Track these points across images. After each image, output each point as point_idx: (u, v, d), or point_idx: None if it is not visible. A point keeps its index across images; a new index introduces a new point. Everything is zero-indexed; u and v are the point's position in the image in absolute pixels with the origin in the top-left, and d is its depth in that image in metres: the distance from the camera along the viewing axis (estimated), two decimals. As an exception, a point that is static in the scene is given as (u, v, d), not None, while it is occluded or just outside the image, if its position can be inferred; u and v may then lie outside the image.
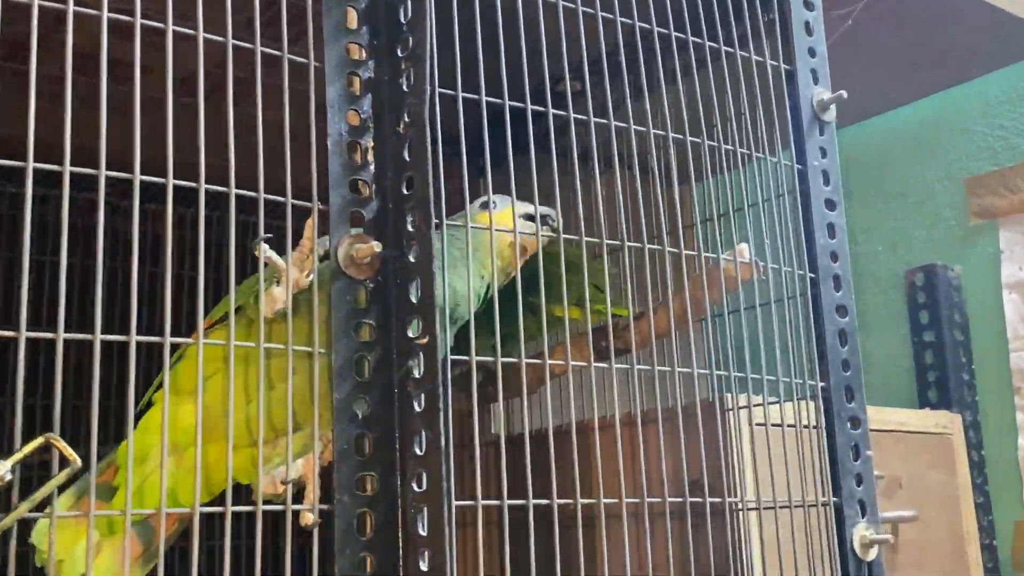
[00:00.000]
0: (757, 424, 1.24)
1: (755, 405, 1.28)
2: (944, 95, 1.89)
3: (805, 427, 1.20)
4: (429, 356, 0.88)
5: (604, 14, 1.13)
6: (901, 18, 1.65)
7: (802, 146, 1.25)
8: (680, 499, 1.07)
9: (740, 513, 1.33)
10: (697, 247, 1.12)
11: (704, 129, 1.20)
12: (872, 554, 1.18)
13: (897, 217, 1.96)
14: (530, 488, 0.93)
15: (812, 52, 1.29)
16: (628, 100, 1.31)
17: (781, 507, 1.18)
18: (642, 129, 1.31)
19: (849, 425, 1.21)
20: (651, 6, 1.14)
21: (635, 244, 1.10)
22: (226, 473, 0.81)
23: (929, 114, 1.92)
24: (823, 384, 1.20)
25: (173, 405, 1.01)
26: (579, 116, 1.09)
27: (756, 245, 1.19)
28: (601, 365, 1.14)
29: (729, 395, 1.37)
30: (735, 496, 1.29)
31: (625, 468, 1.01)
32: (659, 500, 1.05)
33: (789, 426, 1.22)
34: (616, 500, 1.00)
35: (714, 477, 1.29)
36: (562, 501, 0.96)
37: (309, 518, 0.87)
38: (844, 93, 1.26)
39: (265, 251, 0.92)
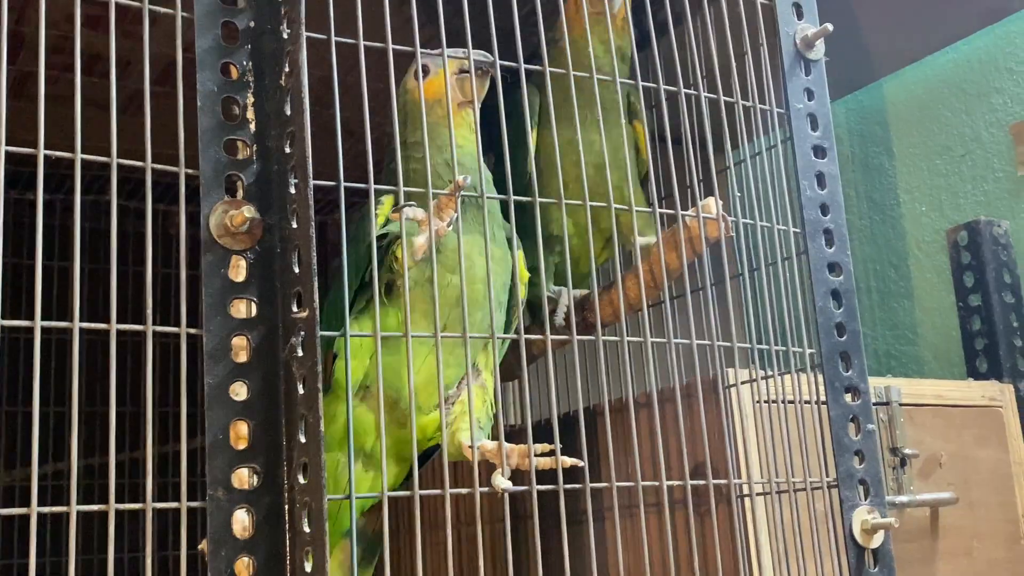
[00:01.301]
0: (760, 401, 1.13)
1: (751, 380, 1.16)
2: (987, 33, 1.72)
3: (806, 402, 1.08)
4: (309, 332, 0.78)
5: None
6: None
7: (785, 89, 1.12)
8: (698, 481, 0.96)
9: (744, 498, 1.21)
10: (652, 204, 1.00)
11: (694, 79, 1.09)
12: (876, 540, 1.04)
13: (942, 173, 1.80)
14: (533, 478, 0.84)
15: (795, -18, 1.16)
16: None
17: (780, 492, 1.05)
18: (629, 83, 1.20)
19: (847, 396, 1.07)
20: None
21: (599, 204, 0.99)
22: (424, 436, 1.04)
23: (971, 56, 1.75)
24: (812, 351, 1.07)
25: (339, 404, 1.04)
26: (556, 70, 0.99)
27: (747, 203, 1.07)
28: (586, 338, 1.03)
29: (731, 370, 1.25)
30: (739, 478, 1.17)
31: (627, 453, 0.91)
32: (678, 483, 0.95)
33: (788, 402, 1.10)
34: (631, 483, 0.90)
35: (718, 459, 1.17)
36: (569, 486, 0.86)
37: (500, 486, 0.90)
38: (830, 26, 1.12)
39: (407, 212, 0.98)
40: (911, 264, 1.83)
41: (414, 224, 1.02)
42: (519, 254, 1.12)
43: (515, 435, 1.46)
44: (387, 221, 1.06)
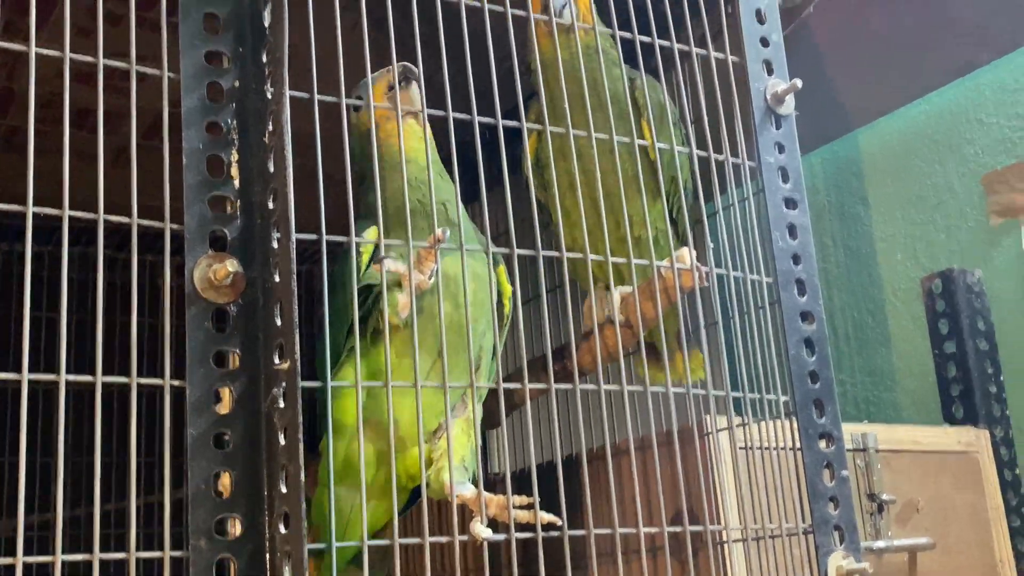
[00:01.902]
0: (739, 448, 1.15)
1: (728, 428, 1.18)
2: (957, 85, 1.76)
3: (781, 449, 1.10)
4: (290, 384, 0.80)
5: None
6: (893, 2, 1.55)
7: (755, 142, 1.15)
8: (675, 528, 0.97)
9: (724, 544, 1.23)
10: (628, 256, 1.03)
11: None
12: (852, 587, 1.06)
13: (916, 222, 1.83)
14: (512, 528, 0.85)
15: (764, 41, 1.19)
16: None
17: (757, 538, 1.07)
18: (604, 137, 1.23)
19: (821, 443, 1.09)
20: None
21: (575, 255, 1.01)
22: (403, 481, 1.06)
23: (943, 107, 1.79)
24: (786, 399, 1.09)
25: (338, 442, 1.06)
26: (533, 126, 1.02)
27: (721, 253, 1.09)
28: (564, 386, 1.04)
29: (707, 417, 1.27)
30: (719, 526, 1.19)
31: (607, 501, 0.92)
32: (656, 530, 0.96)
33: (764, 448, 1.12)
34: (609, 531, 0.91)
35: (697, 506, 1.19)
36: (547, 534, 0.87)
37: (480, 535, 0.94)
38: (799, 82, 1.16)
39: (387, 264, 1.00)
40: (888, 311, 1.86)
41: (395, 274, 1.04)
42: (500, 268, 1.15)
43: (498, 483, 1.47)
44: (370, 262, 1.08)
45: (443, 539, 0.84)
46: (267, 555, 0.79)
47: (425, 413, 0.94)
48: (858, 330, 1.89)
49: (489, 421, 1.37)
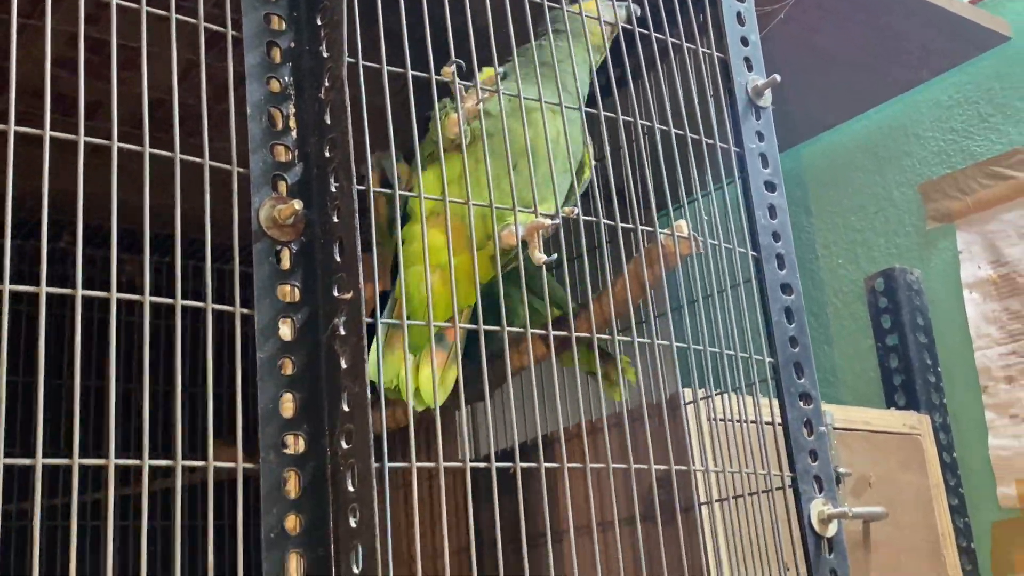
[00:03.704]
0: (715, 419, 1.24)
1: (707, 397, 1.27)
2: (896, 102, 1.91)
3: (765, 423, 1.19)
4: (353, 312, 0.87)
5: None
6: (846, 22, 1.68)
7: (739, 131, 1.26)
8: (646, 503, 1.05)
9: (704, 509, 1.31)
10: (633, 221, 1.12)
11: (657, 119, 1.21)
12: (831, 530, 1.16)
13: (857, 228, 1.97)
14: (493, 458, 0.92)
15: (745, 41, 1.31)
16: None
17: (737, 496, 1.16)
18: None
19: (800, 401, 1.19)
20: None
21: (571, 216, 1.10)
22: (473, 278, 1.15)
23: (883, 123, 1.94)
24: (771, 360, 1.19)
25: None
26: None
27: (706, 229, 1.19)
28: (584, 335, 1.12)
29: (687, 390, 1.36)
30: (696, 493, 1.28)
31: (587, 480, 0.99)
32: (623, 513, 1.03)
33: (744, 420, 1.21)
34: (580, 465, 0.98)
35: (676, 476, 1.27)
36: (526, 464, 0.94)
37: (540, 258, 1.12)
38: (778, 77, 1.27)
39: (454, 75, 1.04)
40: (830, 313, 1.98)
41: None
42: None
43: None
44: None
45: (429, 464, 0.88)
46: (329, 468, 0.85)
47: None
48: (803, 330, 2.00)
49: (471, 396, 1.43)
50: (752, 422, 1.17)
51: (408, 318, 1.18)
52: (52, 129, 0.79)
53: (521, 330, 1.01)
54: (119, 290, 0.79)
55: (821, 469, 1.18)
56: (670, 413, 1.33)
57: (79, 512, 0.74)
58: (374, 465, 0.82)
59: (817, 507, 1.16)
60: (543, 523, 0.94)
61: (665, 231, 1.16)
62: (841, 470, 1.51)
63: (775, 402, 1.19)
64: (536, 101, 1.09)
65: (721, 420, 1.20)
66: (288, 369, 0.87)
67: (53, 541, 1.28)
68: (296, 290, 0.89)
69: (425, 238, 0.94)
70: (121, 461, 0.76)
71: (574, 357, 1.31)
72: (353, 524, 0.83)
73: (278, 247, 0.89)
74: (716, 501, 1.26)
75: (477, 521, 0.92)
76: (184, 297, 0.83)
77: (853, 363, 1.91)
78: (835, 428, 1.55)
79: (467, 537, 0.88)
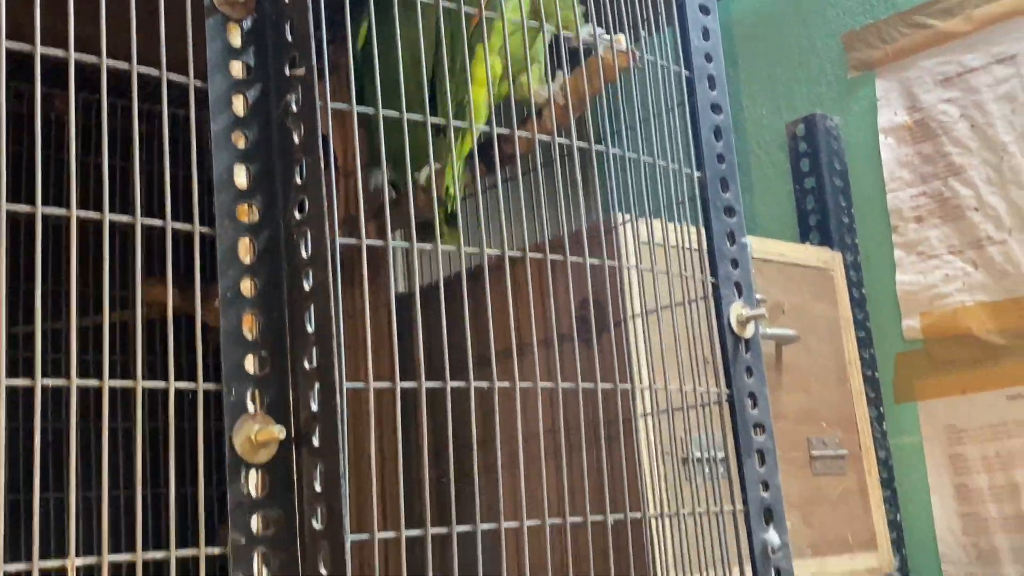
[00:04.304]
0: (640, 242, 1.30)
1: (633, 220, 1.32)
2: (822, -47, 1.95)
3: (673, 246, 1.25)
4: (306, 89, 0.89)
5: None
6: None
7: (689, 54, 1.28)
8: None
9: (629, 324, 1.38)
10: (577, 34, 1.16)
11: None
12: (749, 331, 1.23)
13: (781, 79, 2.02)
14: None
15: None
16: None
17: (662, 308, 1.22)
18: None
19: (725, 214, 1.26)
20: None
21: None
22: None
23: (809, -25, 1.98)
24: (699, 174, 1.24)
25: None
26: None
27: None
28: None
29: (617, 214, 1.41)
30: (621, 310, 1.34)
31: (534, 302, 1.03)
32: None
33: (669, 246, 1.27)
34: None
35: (603, 296, 1.33)
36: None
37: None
38: None
39: None
40: (752, 162, 2.05)
41: None
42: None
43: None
44: None
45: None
46: (283, 236, 0.89)
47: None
48: (726, 176, 2.07)
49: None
50: (681, 248, 1.23)
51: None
52: None
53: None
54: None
55: (741, 276, 1.25)
56: (605, 237, 1.39)
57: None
58: (328, 240, 0.86)
59: (736, 310, 1.23)
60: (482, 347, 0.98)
61: (605, 41, 1.20)
62: (758, 296, 1.59)
63: (703, 230, 1.25)
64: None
65: (647, 244, 1.26)
66: (241, 143, 0.89)
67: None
68: (247, 66, 0.91)
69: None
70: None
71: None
72: (307, 288, 0.87)
73: (229, 23, 0.91)
74: (646, 313, 1.33)
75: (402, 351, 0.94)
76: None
77: (772, 208, 1.99)
78: (752, 258, 1.62)
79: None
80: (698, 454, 1.32)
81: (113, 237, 0.79)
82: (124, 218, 0.80)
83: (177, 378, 0.80)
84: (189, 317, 0.87)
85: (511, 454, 0.97)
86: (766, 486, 1.19)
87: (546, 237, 1.09)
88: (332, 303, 0.86)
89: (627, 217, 1.38)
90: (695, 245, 1.23)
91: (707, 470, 1.31)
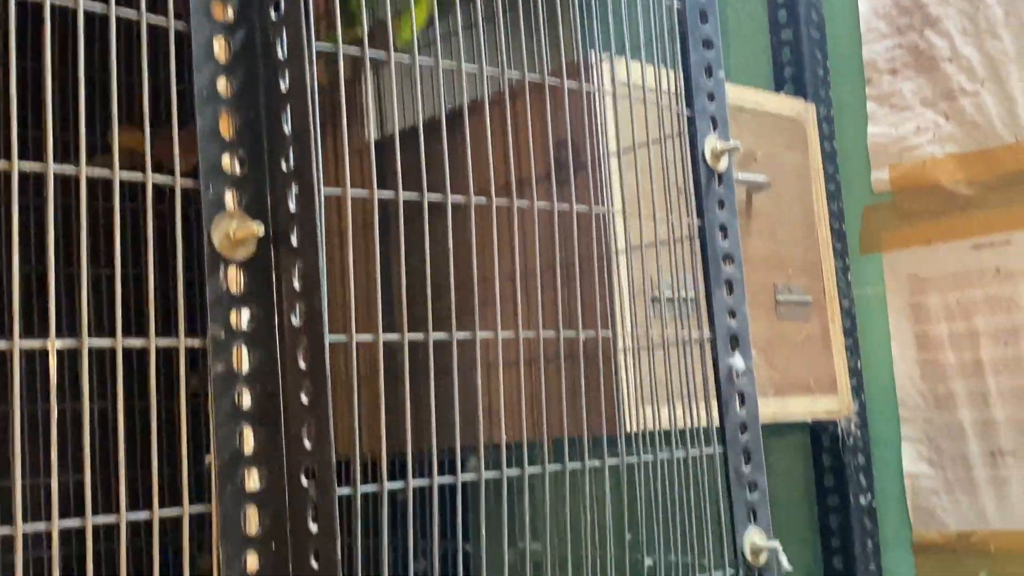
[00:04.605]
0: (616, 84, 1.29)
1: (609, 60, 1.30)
2: None
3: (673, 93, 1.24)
4: (293, 34, 0.86)
5: None
6: None
7: None
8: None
9: (604, 169, 1.38)
10: None
11: None
12: (722, 165, 1.24)
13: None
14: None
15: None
16: None
17: (640, 146, 1.22)
18: None
19: (703, 47, 1.25)
20: None
21: None
22: None
23: None
24: (679, 5, 1.23)
25: None
26: None
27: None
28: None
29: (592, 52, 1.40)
30: (598, 153, 1.34)
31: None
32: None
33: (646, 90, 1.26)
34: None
35: (579, 135, 1.32)
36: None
37: None
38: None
39: None
40: (728, 13, 2.03)
41: None
42: None
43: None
44: None
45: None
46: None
47: None
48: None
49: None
50: (660, 88, 1.22)
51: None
52: None
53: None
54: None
55: (717, 111, 1.26)
56: (582, 76, 1.38)
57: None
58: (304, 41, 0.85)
59: (711, 142, 1.24)
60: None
61: None
62: (730, 143, 1.60)
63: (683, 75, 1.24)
64: None
65: (625, 86, 1.26)
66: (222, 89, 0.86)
67: None
68: (231, 9, 0.88)
69: None
70: None
71: None
72: (283, 88, 0.87)
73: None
74: (620, 152, 1.33)
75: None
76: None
77: (748, 61, 1.98)
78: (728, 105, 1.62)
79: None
80: (668, 294, 1.34)
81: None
82: (98, 7, 0.79)
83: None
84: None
85: (486, 279, 0.98)
86: (733, 314, 1.21)
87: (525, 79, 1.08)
88: (309, 105, 0.85)
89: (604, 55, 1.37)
90: (672, 86, 1.23)
91: (677, 309, 1.33)
